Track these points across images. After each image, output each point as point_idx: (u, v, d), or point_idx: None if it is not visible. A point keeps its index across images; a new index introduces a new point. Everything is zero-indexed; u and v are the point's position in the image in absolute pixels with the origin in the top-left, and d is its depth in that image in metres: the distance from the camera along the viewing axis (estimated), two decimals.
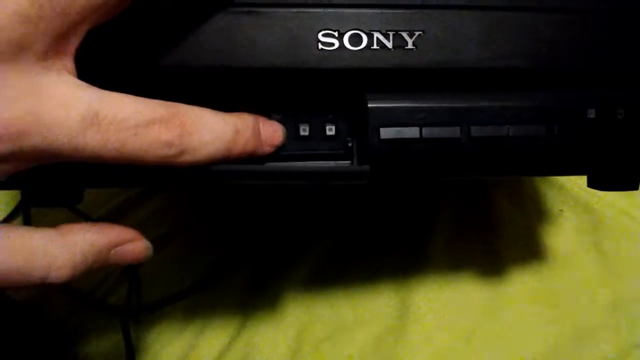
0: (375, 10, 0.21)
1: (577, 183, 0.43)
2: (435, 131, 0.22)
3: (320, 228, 0.43)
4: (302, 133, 0.23)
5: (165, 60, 0.20)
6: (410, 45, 0.21)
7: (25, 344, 0.41)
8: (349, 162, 0.24)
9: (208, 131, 0.20)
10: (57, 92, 0.17)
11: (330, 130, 0.23)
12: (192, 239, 0.44)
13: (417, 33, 0.21)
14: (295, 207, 0.45)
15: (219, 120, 0.20)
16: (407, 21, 0.21)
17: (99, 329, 0.41)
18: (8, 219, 0.45)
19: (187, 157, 0.19)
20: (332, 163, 0.23)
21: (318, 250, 0.42)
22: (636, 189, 0.26)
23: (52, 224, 0.22)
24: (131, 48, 0.20)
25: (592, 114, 0.23)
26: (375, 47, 0.21)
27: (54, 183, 0.23)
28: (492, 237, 0.42)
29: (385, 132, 0.22)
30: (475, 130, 0.22)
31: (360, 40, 0.21)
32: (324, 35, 0.21)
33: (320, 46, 0.21)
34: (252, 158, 0.22)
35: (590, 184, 0.27)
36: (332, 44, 0.21)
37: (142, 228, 0.37)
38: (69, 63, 0.18)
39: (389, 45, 0.21)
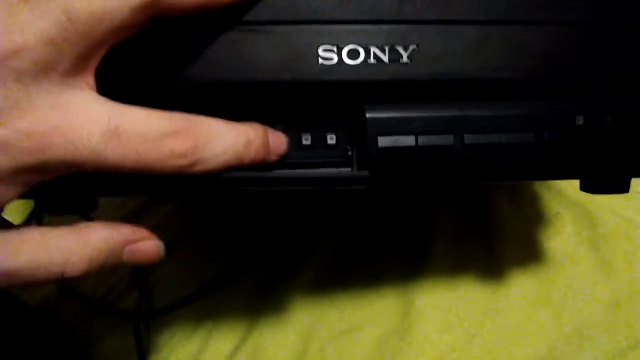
0: (372, 26, 0.22)
1: (574, 186, 0.44)
2: (431, 139, 0.23)
3: (325, 233, 0.44)
4: (304, 142, 0.24)
5: (176, 75, 0.22)
6: (405, 59, 0.23)
7: (39, 349, 0.42)
8: (349, 169, 0.25)
9: (221, 142, 0.21)
10: (80, 109, 0.18)
11: (332, 139, 0.25)
12: (200, 245, 0.45)
13: (411, 47, 0.22)
14: (300, 213, 0.46)
15: (231, 131, 0.21)
16: (402, 36, 0.22)
17: (111, 333, 0.42)
18: None
19: (201, 167, 0.21)
20: (333, 170, 0.25)
21: (323, 255, 0.43)
22: (627, 191, 0.27)
23: None
24: (146, 64, 0.21)
25: (580, 121, 0.24)
26: (372, 61, 0.22)
27: (70, 192, 0.24)
28: (492, 240, 0.42)
29: (383, 141, 0.23)
30: (468, 139, 0.23)
31: (358, 54, 0.22)
32: (324, 50, 0.22)
33: (320, 61, 0.22)
34: (260, 166, 0.23)
35: (583, 188, 0.28)
36: (332, 59, 0.22)
37: None
38: (91, 80, 0.19)
39: (386, 59, 0.22)
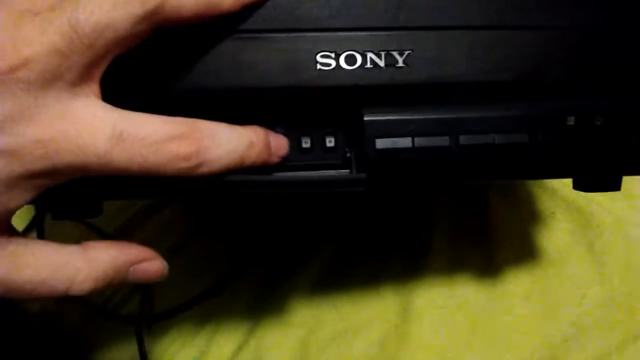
0: (368, 33, 0.23)
1: (568, 186, 0.44)
2: (426, 141, 0.24)
3: (324, 235, 0.45)
4: (304, 145, 0.25)
5: (178, 82, 0.22)
6: (400, 63, 0.23)
7: (41, 355, 0.42)
8: (348, 170, 0.25)
9: (224, 144, 0.22)
10: (86, 115, 0.19)
11: (330, 142, 0.25)
12: (201, 249, 0.45)
13: (406, 52, 0.23)
14: (299, 215, 0.46)
15: (233, 134, 0.22)
16: (397, 41, 0.23)
17: (112, 338, 0.43)
18: (23, 233, 0.46)
19: (205, 169, 0.21)
20: (332, 172, 0.25)
21: (322, 257, 0.44)
22: (618, 189, 0.28)
23: (65, 237, 0.23)
24: (148, 72, 0.22)
25: (571, 121, 0.25)
26: (369, 65, 0.23)
27: (75, 197, 0.25)
28: (488, 239, 0.43)
29: (381, 143, 0.24)
30: (463, 139, 0.24)
31: (355, 60, 0.23)
32: (321, 56, 0.23)
33: (318, 66, 0.23)
34: (261, 167, 0.23)
35: (576, 186, 0.29)
36: (330, 64, 0.23)
37: (152, 240, 0.39)
38: (96, 88, 0.20)
39: (382, 63, 0.23)
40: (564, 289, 0.41)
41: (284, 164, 0.25)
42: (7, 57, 0.17)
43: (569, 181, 0.44)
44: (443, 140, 0.24)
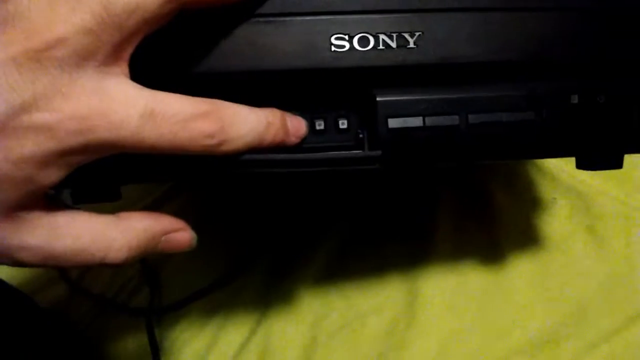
0: (380, 15, 0.24)
1: (568, 173, 0.46)
2: (437, 120, 0.25)
3: (331, 224, 0.46)
4: (317, 127, 0.26)
5: (198, 65, 0.23)
6: (411, 45, 0.24)
7: (51, 349, 0.42)
8: (361, 151, 0.26)
9: (244, 124, 0.22)
10: (118, 94, 0.20)
11: (343, 124, 0.26)
12: (209, 239, 0.46)
13: (417, 33, 0.24)
14: (307, 205, 0.47)
15: (252, 114, 0.23)
16: (408, 23, 0.24)
17: (122, 331, 0.43)
18: None
19: (227, 147, 0.22)
20: (345, 152, 0.26)
21: (329, 245, 0.44)
22: (620, 167, 0.29)
23: None
24: (172, 55, 0.23)
25: (575, 99, 0.26)
26: (381, 47, 0.24)
27: (95, 180, 0.25)
28: (491, 225, 0.44)
29: (393, 122, 0.25)
30: (472, 118, 0.25)
31: (368, 41, 0.24)
32: (336, 38, 0.24)
33: (333, 48, 0.24)
34: (280, 147, 0.24)
35: (579, 165, 0.30)
36: (344, 46, 0.24)
37: None
38: (125, 68, 0.20)
39: (393, 45, 0.24)
40: (567, 272, 0.41)
41: (300, 146, 0.25)
42: (41, 36, 0.18)
43: (568, 167, 0.46)
44: (453, 120, 0.25)
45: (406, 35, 0.24)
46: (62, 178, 0.20)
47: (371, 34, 0.24)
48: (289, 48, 0.23)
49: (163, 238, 0.24)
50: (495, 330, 0.39)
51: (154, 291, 0.44)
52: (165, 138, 0.20)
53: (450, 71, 0.25)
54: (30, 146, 0.19)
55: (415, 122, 0.25)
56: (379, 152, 0.25)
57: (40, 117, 0.18)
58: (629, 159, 0.29)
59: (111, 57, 0.20)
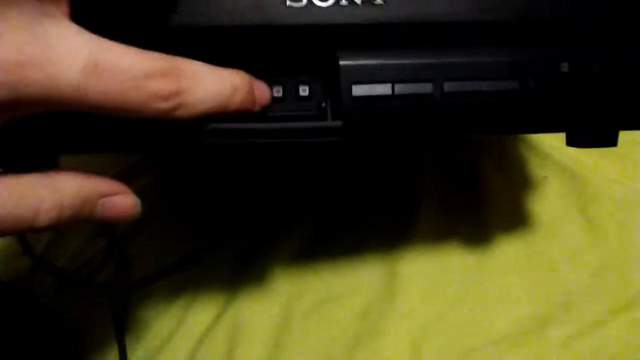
0: None
1: (560, 150, 0.43)
2: (408, 88, 0.22)
3: (306, 202, 0.43)
4: (275, 94, 0.23)
5: (147, 18, 0.20)
6: (379, 1, 0.21)
7: (14, 324, 0.41)
8: (323, 121, 0.23)
9: (205, 86, 0.20)
10: (57, 39, 0.17)
11: (304, 91, 0.23)
12: (178, 216, 0.44)
13: None
14: (281, 181, 0.45)
15: (216, 76, 0.20)
16: None
17: (87, 307, 0.41)
18: None
19: (183, 111, 0.19)
20: (305, 123, 0.23)
21: (305, 224, 0.42)
22: (615, 144, 0.26)
23: None
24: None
25: (565, 67, 0.23)
26: (344, 3, 0.21)
27: (28, 148, 0.23)
28: (478, 205, 0.42)
29: (357, 90, 0.22)
30: (448, 86, 0.22)
31: None
32: None
33: (288, 2, 0.21)
34: (242, 115, 0.22)
35: (569, 142, 0.27)
36: (301, 1, 0.21)
37: None
38: (65, 7, 0.17)
39: (358, 0, 0.21)
40: (557, 255, 0.39)
41: (254, 114, 0.23)
42: None
43: (560, 145, 0.43)
44: (426, 87, 0.22)
45: None
46: None
47: None
48: (239, 2, 0.20)
49: (100, 202, 0.21)
50: (477, 316, 0.38)
51: (119, 267, 0.42)
52: (110, 97, 0.18)
53: (423, 32, 0.22)
54: None
55: (383, 89, 0.22)
56: (339, 123, 0.22)
57: None
58: (625, 136, 0.26)
59: None
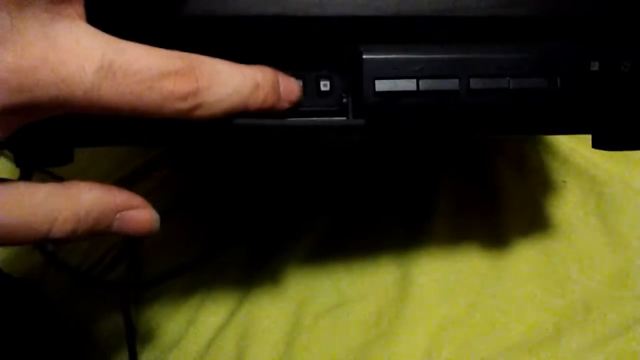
0: None
1: (581, 154, 0.42)
2: (433, 83, 0.21)
3: (321, 202, 0.43)
4: None
5: (164, 8, 0.20)
6: None
7: (25, 321, 0.40)
8: (344, 118, 0.23)
9: (225, 85, 0.19)
10: (71, 42, 0.17)
11: (325, 86, 0.23)
12: (192, 215, 0.43)
13: None
14: (296, 181, 0.44)
15: (237, 73, 0.20)
16: None
17: (97, 306, 0.41)
18: None
19: (202, 112, 0.19)
20: (326, 119, 0.23)
21: (319, 225, 0.42)
22: None
23: None
24: None
25: (595, 66, 0.22)
26: None
27: (43, 142, 0.22)
28: (495, 208, 0.41)
29: (381, 85, 0.21)
30: (474, 83, 0.22)
31: None
32: None
33: None
34: (269, 113, 0.21)
35: (595, 144, 0.26)
36: None
37: None
38: (79, 7, 0.17)
39: None
40: (574, 261, 0.39)
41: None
42: None
43: (581, 148, 0.42)
44: (451, 84, 0.21)
45: None
46: (1, 141, 0.17)
47: None
48: None
49: (118, 215, 0.21)
50: (492, 322, 0.37)
51: (131, 266, 0.42)
52: (125, 99, 0.17)
53: (450, 27, 0.21)
54: None
55: (408, 85, 0.21)
56: (362, 121, 0.21)
57: None
58: None
59: None
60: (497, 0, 0.21)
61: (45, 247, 0.44)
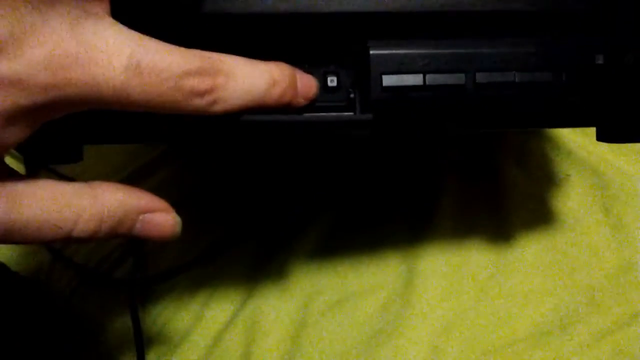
0: None
1: (584, 148, 0.43)
2: (439, 78, 0.22)
3: (326, 198, 0.43)
4: None
5: (180, 6, 0.20)
6: None
7: (32, 319, 0.41)
8: (352, 113, 0.23)
9: (242, 81, 0.19)
10: (100, 40, 0.17)
11: (332, 81, 0.23)
12: (198, 211, 0.44)
13: None
14: (301, 176, 0.44)
15: (253, 70, 0.20)
16: None
17: (103, 303, 0.41)
18: None
19: (219, 107, 0.19)
20: (333, 114, 0.23)
21: (324, 220, 0.42)
22: None
23: None
24: None
25: (600, 59, 0.22)
26: None
27: (53, 139, 0.23)
28: (499, 203, 0.41)
29: (388, 80, 0.21)
30: (480, 77, 0.22)
31: None
32: None
33: None
34: (286, 109, 0.21)
35: (600, 137, 0.26)
36: None
37: None
38: (106, 5, 0.17)
39: None
40: (579, 255, 0.39)
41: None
42: None
43: (584, 142, 0.42)
44: (458, 78, 0.22)
45: None
46: (26, 137, 0.17)
47: None
48: None
49: (140, 217, 0.21)
50: (497, 316, 0.37)
51: (138, 262, 0.42)
52: (150, 96, 0.18)
53: (456, 21, 0.22)
54: None
55: (414, 80, 0.22)
56: (369, 116, 0.22)
57: (7, 67, 0.15)
58: None
59: None
60: None
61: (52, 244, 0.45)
